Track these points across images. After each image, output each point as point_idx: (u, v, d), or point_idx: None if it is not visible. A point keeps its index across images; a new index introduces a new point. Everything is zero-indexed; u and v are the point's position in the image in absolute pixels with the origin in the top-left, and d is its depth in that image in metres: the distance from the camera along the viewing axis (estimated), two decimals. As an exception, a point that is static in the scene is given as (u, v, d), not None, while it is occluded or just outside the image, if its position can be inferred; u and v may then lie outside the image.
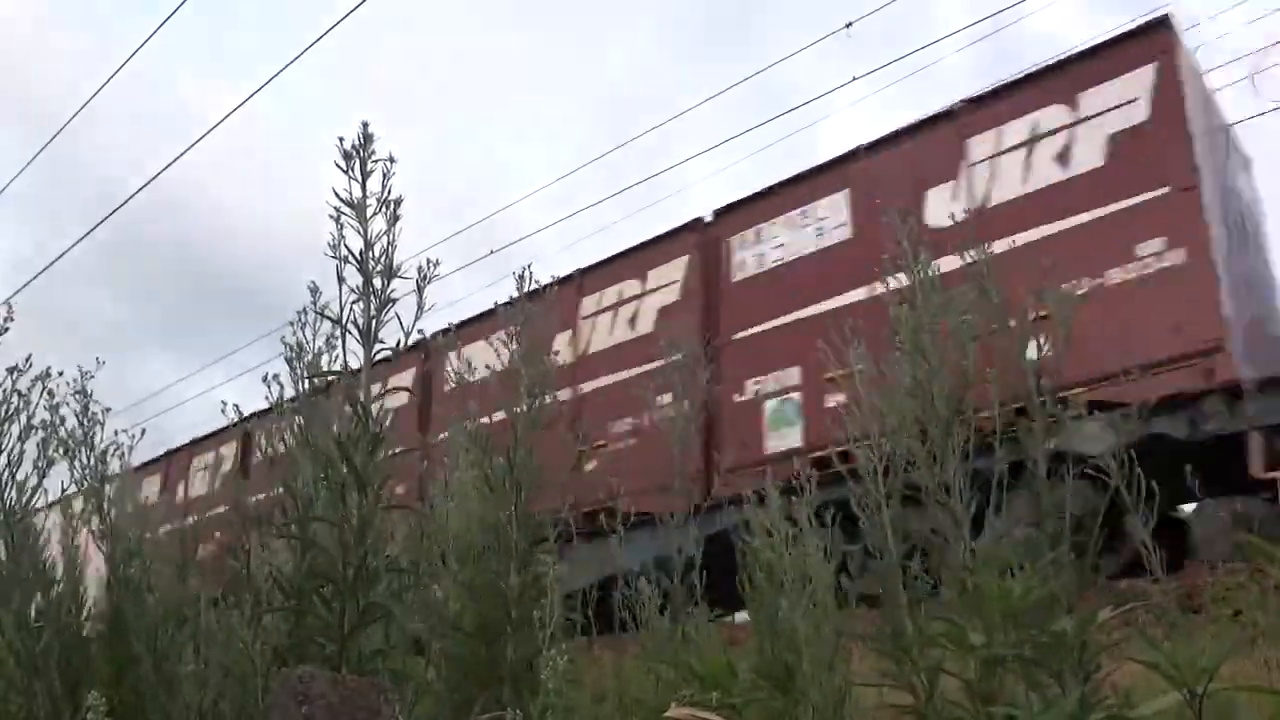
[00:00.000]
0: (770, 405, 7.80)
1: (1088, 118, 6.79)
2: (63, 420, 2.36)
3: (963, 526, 1.97)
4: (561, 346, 9.27)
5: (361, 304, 1.99)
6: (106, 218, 10.33)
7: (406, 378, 8.87)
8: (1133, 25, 6.89)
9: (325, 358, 2.22)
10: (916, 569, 2.19)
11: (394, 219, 2.00)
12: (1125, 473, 2.17)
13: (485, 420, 2.69)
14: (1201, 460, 3.59)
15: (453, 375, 3.00)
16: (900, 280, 2.26)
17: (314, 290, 2.17)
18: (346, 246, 2.00)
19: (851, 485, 2.27)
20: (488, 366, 2.74)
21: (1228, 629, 2.85)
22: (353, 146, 1.97)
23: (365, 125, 1.98)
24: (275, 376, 2.26)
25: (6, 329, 2.20)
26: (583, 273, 9.77)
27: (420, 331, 2.06)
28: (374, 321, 1.99)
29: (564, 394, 8.89)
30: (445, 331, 5.96)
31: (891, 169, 7.77)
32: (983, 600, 1.69)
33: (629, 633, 3.13)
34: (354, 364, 2.07)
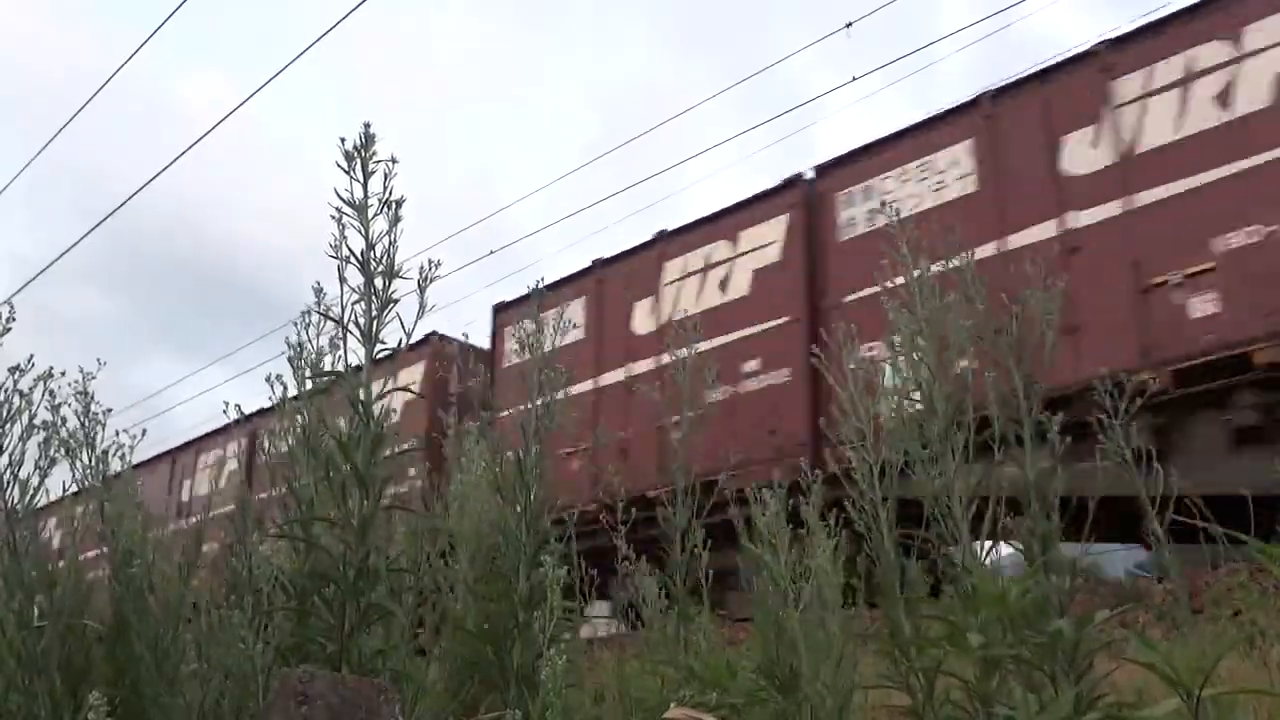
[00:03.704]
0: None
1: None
2: (64, 420, 2.36)
3: (962, 528, 1.97)
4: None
5: (363, 304, 2.00)
6: (106, 218, 10.35)
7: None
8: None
9: (329, 358, 2.23)
10: (914, 570, 2.19)
11: (395, 220, 2.01)
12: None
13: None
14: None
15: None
16: (899, 281, 2.23)
17: (318, 291, 2.18)
18: (348, 247, 2.00)
19: (848, 488, 2.26)
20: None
21: (1227, 629, 2.85)
22: (354, 147, 1.98)
23: (367, 126, 1.98)
24: (279, 377, 2.27)
25: (9, 329, 2.21)
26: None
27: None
28: (375, 322, 2.00)
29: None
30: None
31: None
32: (980, 601, 1.69)
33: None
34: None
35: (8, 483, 2.19)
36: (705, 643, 2.76)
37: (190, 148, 9.50)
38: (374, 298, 2.00)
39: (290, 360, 2.25)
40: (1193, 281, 6.12)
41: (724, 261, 8.92)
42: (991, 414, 2.07)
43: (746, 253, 8.75)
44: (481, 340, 10.91)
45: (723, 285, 8.86)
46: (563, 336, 2.48)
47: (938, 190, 7.53)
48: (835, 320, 7.50)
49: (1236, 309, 5.90)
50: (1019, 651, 1.68)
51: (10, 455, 2.20)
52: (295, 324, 2.24)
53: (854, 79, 9.99)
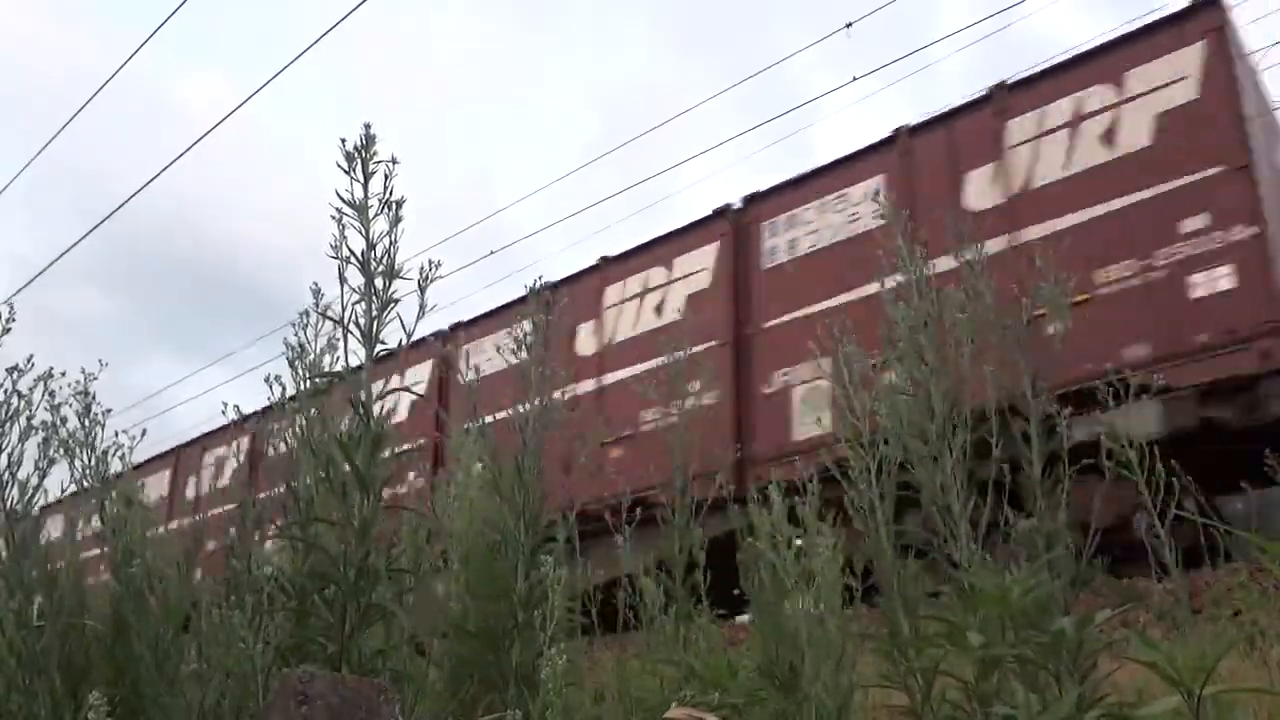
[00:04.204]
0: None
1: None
2: (64, 421, 2.36)
3: (961, 526, 1.97)
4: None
5: (363, 304, 2.00)
6: (107, 218, 10.34)
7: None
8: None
9: (327, 358, 2.24)
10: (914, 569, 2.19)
11: (396, 220, 2.00)
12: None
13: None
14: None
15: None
16: (896, 279, 2.25)
17: (316, 292, 2.19)
18: (349, 247, 2.00)
19: (845, 485, 2.27)
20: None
21: (1227, 629, 2.85)
22: (355, 148, 1.98)
23: (368, 127, 1.98)
24: (277, 377, 2.27)
25: (9, 329, 2.20)
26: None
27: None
28: (375, 322, 2.00)
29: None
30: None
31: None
32: (981, 600, 1.69)
33: (631, 632, 3.13)
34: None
35: (7, 483, 2.19)
36: (705, 642, 2.76)
37: (190, 148, 9.50)
38: (374, 298, 2.00)
39: (290, 361, 2.25)
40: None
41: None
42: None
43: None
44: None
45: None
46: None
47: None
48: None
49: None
50: (1021, 651, 1.68)
51: (10, 456, 2.20)
52: (294, 325, 2.24)
53: (854, 79, 10.00)
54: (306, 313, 2.23)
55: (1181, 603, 2.70)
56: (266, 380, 2.30)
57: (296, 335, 2.24)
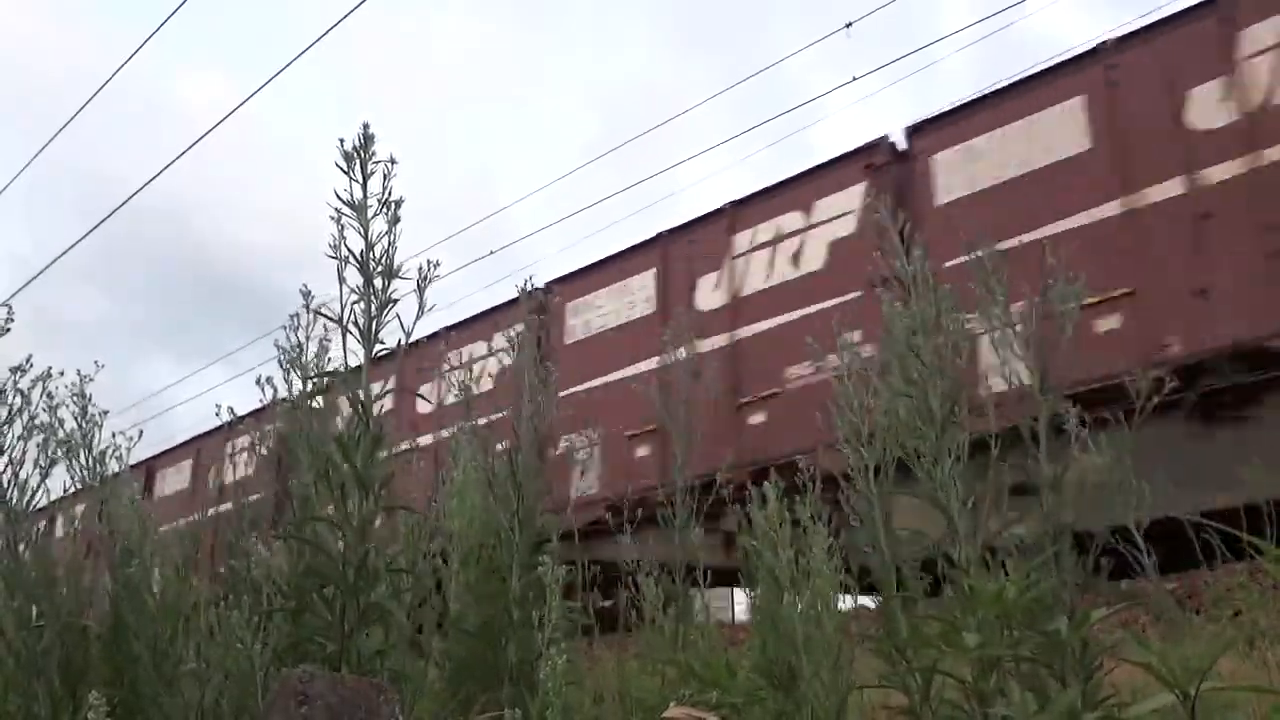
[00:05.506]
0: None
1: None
2: (62, 422, 2.36)
3: (959, 527, 1.97)
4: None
5: (362, 304, 2.00)
6: (106, 218, 10.34)
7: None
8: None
9: (323, 359, 2.24)
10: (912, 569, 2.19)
11: (394, 220, 2.01)
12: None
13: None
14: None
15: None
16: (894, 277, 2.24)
17: (306, 294, 2.20)
18: (347, 247, 2.00)
19: (844, 485, 2.28)
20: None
21: (1226, 629, 2.85)
22: (353, 148, 1.98)
23: (366, 127, 1.98)
24: (269, 379, 2.27)
25: (8, 329, 2.21)
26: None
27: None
28: (374, 321, 2.00)
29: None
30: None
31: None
32: (978, 601, 1.69)
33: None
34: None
35: (8, 483, 2.19)
36: (705, 642, 2.76)
37: (190, 148, 9.50)
38: (373, 298, 2.00)
39: (290, 361, 2.25)
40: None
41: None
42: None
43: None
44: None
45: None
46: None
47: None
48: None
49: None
50: (1017, 651, 1.68)
51: (10, 455, 2.20)
52: (295, 323, 2.24)
53: (854, 79, 10.01)
54: (303, 312, 2.23)
55: (1180, 603, 2.70)
56: (257, 382, 2.30)
57: (295, 335, 2.24)
